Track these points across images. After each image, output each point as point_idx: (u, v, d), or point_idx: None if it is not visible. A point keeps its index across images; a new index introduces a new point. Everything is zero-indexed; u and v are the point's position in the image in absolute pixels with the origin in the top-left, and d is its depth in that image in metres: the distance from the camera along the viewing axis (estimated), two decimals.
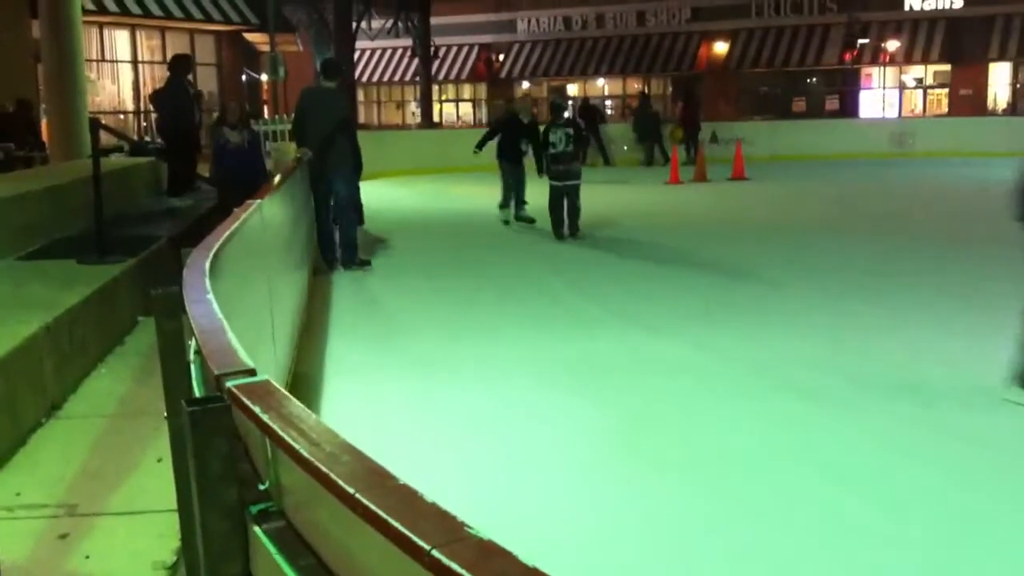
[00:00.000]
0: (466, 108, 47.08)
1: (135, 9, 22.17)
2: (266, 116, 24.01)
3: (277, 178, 7.71)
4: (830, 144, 27.70)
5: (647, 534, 4.35)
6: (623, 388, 6.43)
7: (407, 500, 1.28)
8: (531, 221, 14.05)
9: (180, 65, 13.75)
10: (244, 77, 26.15)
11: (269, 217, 5.54)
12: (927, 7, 38.72)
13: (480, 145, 14.54)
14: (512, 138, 14.27)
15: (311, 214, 10.86)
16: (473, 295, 9.70)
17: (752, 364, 6.90)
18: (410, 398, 6.32)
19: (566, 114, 13.86)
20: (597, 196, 18.50)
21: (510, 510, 4.59)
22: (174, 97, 13.28)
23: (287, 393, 1.72)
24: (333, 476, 1.35)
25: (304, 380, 6.67)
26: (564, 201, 12.87)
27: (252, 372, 1.84)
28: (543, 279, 10.38)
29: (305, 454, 1.43)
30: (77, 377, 6.39)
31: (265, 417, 1.58)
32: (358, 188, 11.60)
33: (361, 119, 38.90)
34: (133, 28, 23.35)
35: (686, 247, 12.48)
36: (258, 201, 5.11)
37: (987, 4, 37.49)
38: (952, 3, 38.44)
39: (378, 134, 30.02)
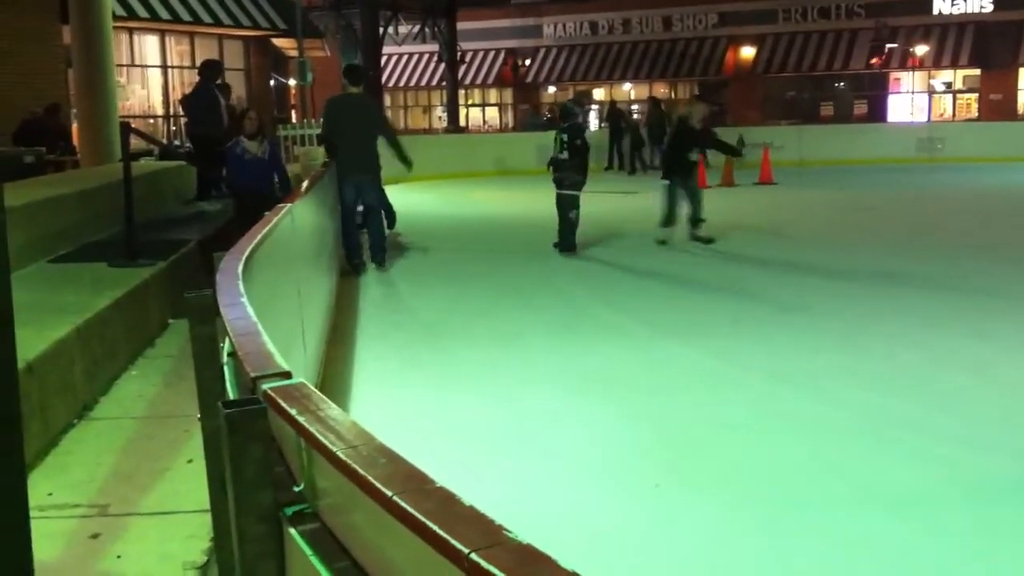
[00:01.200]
0: (492, 113, 47.16)
1: (164, 14, 22.34)
2: (294, 121, 24.10)
3: (306, 183, 7.75)
4: (858, 149, 27.54)
5: (672, 543, 4.34)
6: (647, 398, 6.40)
7: (446, 503, 1.29)
8: (709, 241, 12.35)
9: (210, 70, 13.86)
10: (272, 82, 26.30)
11: (300, 221, 5.57)
12: (956, 11, 38.45)
13: (668, 175, 12.75)
14: (681, 147, 12.57)
15: (338, 219, 10.92)
16: (496, 301, 9.70)
17: (778, 376, 6.85)
18: (435, 405, 6.33)
19: (583, 118, 13.45)
20: (622, 201, 18.52)
21: (534, 518, 4.59)
22: (203, 101, 13.38)
23: (323, 396, 1.73)
24: (371, 479, 1.36)
25: (332, 385, 6.69)
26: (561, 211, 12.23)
27: (288, 375, 1.85)
28: (567, 286, 10.36)
29: (342, 456, 1.44)
30: (108, 379, 6.44)
31: (302, 419, 1.60)
32: (383, 191, 11.67)
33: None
34: (162, 33, 23.52)
35: (713, 254, 12.43)
36: (289, 205, 5.14)
37: (1017, 9, 37.14)
38: (981, 7, 38.15)
39: (404, 139, 30.08)
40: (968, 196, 19.12)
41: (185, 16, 22.81)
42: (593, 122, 37.59)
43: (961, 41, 38.23)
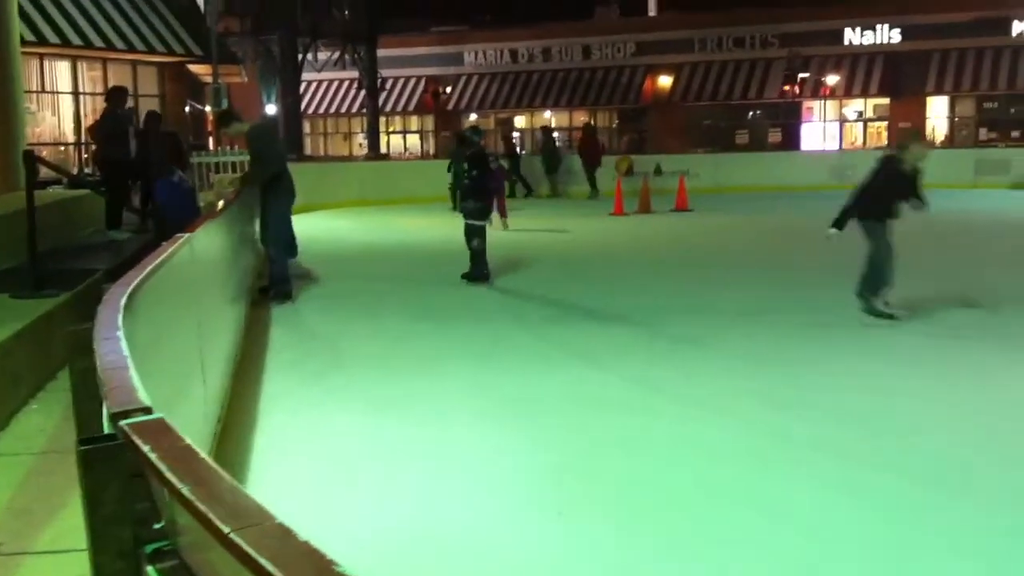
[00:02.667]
0: (413, 140, 47.20)
1: (76, 40, 21.97)
2: (211, 148, 23.85)
3: (213, 211, 7.67)
4: (772, 176, 28.15)
5: (577, 571, 4.36)
6: (561, 424, 6.43)
7: (282, 539, 1.29)
8: (892, 317, 9.49)
9: (116, 96, 13.71)
10: (188, 109, 25.99)
11: (201, 251, 5.51)
12: (866, 42, 39.57)
13: (840, 224, 9.99)
14: (886, 194, 9.79)
15: (252, 246, 10.84)
16: (414, 329, 9.68)
17: (691, 400, 6.94)
18: (346, 435, 6.28)
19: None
20: (542, 227, 18.64)
21: (441, 547, 4.59)
22: (111, 127, 13.22)
23: (179, 432, 1.72)
24: (211, 515, 1.35)
25: (239, 416, 6.62)
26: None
27: (148, 410, 1.84)
28: (486, 313, 10.39)
29: (186, 493, 1.43)
30: (7, 414, 6.28)
31: (153, 456, 1.59)
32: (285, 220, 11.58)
33: (308, 150, 38.87)
34: (74, 59, 23.11)
35: (629, 279, 12.57)
36: (187, 235, 5.09)
37: (924, 39, 38.38)
38: (890, 38, 39.32)
39: (324, 166, 29.99)
40: None
41: (97, 42, 22.45)
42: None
43: (871, 71, 39.33)
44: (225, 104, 22.63)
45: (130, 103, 17.67)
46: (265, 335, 9.39)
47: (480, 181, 12.08)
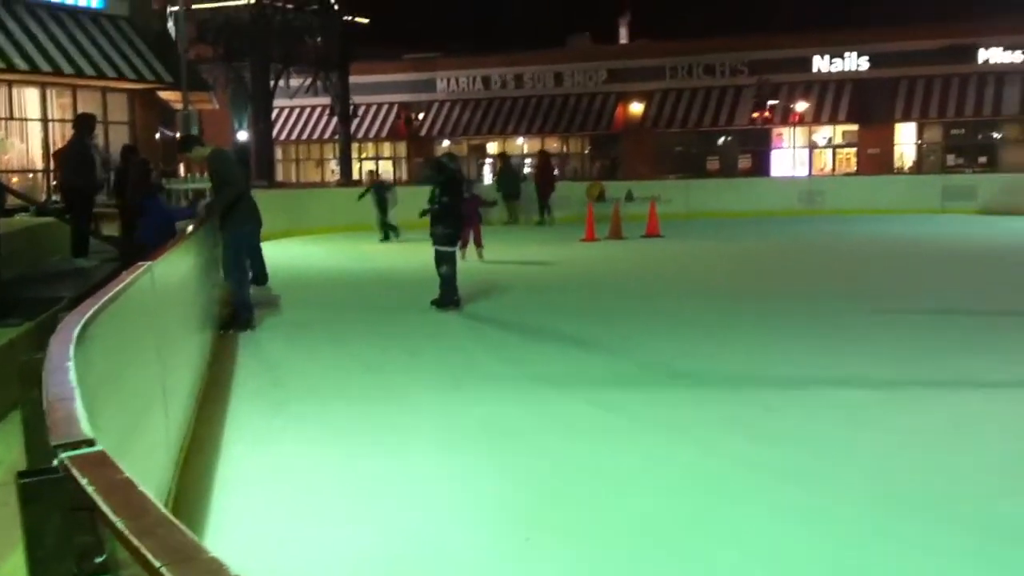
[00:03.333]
0: (386, 166, 47.21)
1: (45, 67, 21.90)
2: (181, 174, 23.77)
3: (176, 238, 7.64)
4: (743, 202, 28.40)
5: None
6: (528, 451, 6.41)
7: (215, 574, 1.27)
8: None
9: (84, 124, 13.66)
10: (158, 135, 25.92)
11: (162, 279, 5.47)
12: (834, 69, 40.04)
13: None
14: None
15: (216, 273, 10.80)
16: (382, 357, 9.64)
17: (658, 424, 6.94)
18: (311, 464, 6.22)
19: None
20: (512, 253, 18.66)
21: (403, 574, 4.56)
22: (77, 155, 13.17)
23: (118, 465, 1.70)
24: (143, 550, 1.34)
25: (203, 445, 6.56)
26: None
27: (90, 443, 1.82)
28: (456, 340, 10.36)
29: (120, 527, 1.42)
30: None
31: (90, 489, 1.57)
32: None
33: (280, 177, 38.82)
34: (43, 86, 23.03)
35: (599, 305, 12.59)
36: (148, 263, 5.06)
37: (891, 67, 38.88)
38: (858, 66, 39.80)
39: (296, 192, 29.96)
40: (844, 246, 19.77)
41: (67, 68, 22.39)
42: (487, 177, 38.03)
43: (840, 98, 39.78)
44: (195, 130, 22.59)
45: (99, 133, 17.63)
46: (231, 363, 9.32)
47: (451, 207, 12.04)
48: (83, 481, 1.61)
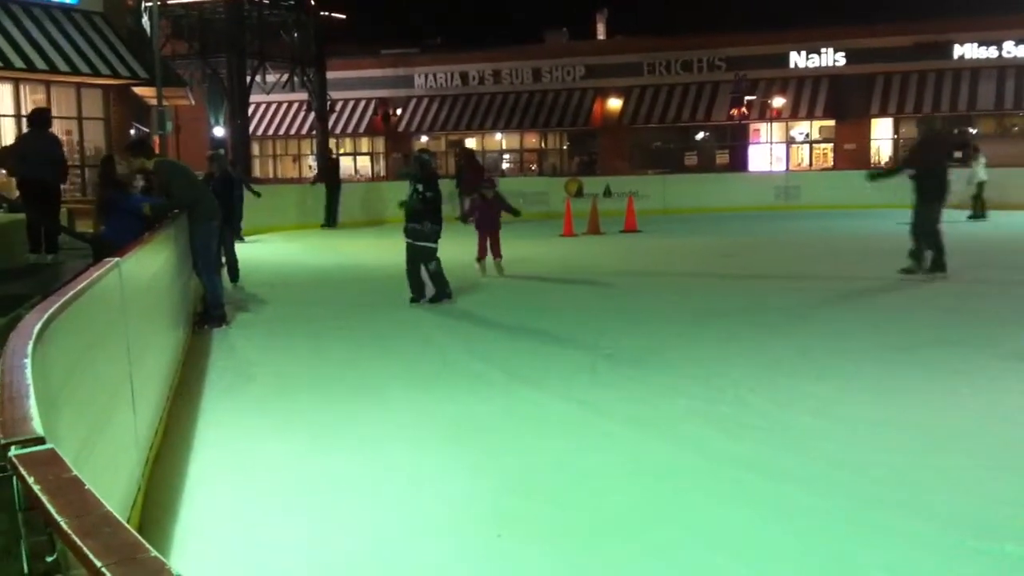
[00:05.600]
0: (364, 161, 47.13)
1: (18, 63, 21.71)
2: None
3: (145, 235, 7.58)
4: (720, 197, 28.49)
5: None
6: (500, 447, 6.39)
7: (154, 574, 1.25)
8: None
9: (40, 118, 13.58)
10: (133, 131, 25.74)
11: (131, 276, 5.42)
12: (811, 65, 40.22)
13: None
14: None
15: (188, 269, 10.75)
16: (358, 354, 9.61)
17: (630, 419, 6.94)
18: (284, 462, 6.18)
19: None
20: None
21: (371, 571, 4.54)
22: (35, 149, 13.10)
23: (68, 464, 1.68)
24: (85, 549, 1.32)
25: (175, 442, 6.52)
26: (416, 263, 12.13)
27: (40, 441, 1.79)
28: (431, 336, 10.33)
29: (64, 526, 1.40)
30: None
31: (37, 488, 1.54)
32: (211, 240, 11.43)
33: (256, 172, 38.68)
34: (16, 82, 22.84)
35: (575, 300, 12.59)
36: (116, 260, 5.01)
37: (868, 63, 39.08)
38: (835, 62, 39.99)
39: (272, 188, 29.82)
40: (820, 241, 19.84)
41: (40, 64, 22.20)
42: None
43: (817, 94, 39.97)
44: (169, 127, 22.45)
45: (72, 129, 17.47)
46: (204, 360, 9.27)
47: (436, 202, 12.00)
48: (30, 480, 1.59)
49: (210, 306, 10.96)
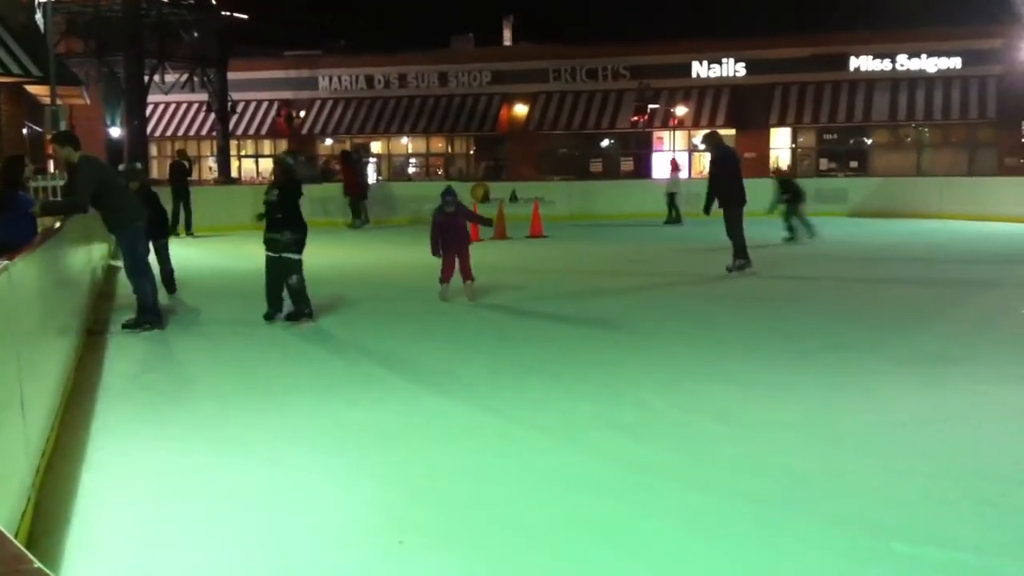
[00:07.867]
0: (266, 164, 46.46)
1: None
2: (52, 170, 22.94)
3: (38, 238, 7.34)
4: (624, 204, 28.83)
5: None
6: (403, 454, 6.33)
7: None
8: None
9: None
10: (25, 131, 24.96)
11: (21, 280, 5.24)
12: (712, 75, 41.00)
13: None
14: None
15: (87, 275, 10.45)
16: (258, 359, 9.45)
17: (533, 425, 6.93)
18: (181, 471, 6.03)
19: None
20: (382, 253, 18.51)
21: None
22: None
23: None
24: None
25: (66, 450, 6.32)
26: (277, 276, 11.17)
27: None
28: (333, 343, 10.22)
29: None
30: None
31: None
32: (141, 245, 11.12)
33: (154, 174, 37.85)
34: None
35: (477, 306, 12.57)
36: (4, 263, 4.83)
37: (766, 73, 39.98)
38: (735, 72, 40.82)
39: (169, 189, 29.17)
40: (717, 247, 20.16)
41: None
42: (372, 175, 37.75)
43: (718, 103, 40.74)
44: (64, 126, 21.82)
45: None
46: (100, 367, 9.02)
47: (297, 211, 11.12)
48: None
49: (142, 311, 10.67)
